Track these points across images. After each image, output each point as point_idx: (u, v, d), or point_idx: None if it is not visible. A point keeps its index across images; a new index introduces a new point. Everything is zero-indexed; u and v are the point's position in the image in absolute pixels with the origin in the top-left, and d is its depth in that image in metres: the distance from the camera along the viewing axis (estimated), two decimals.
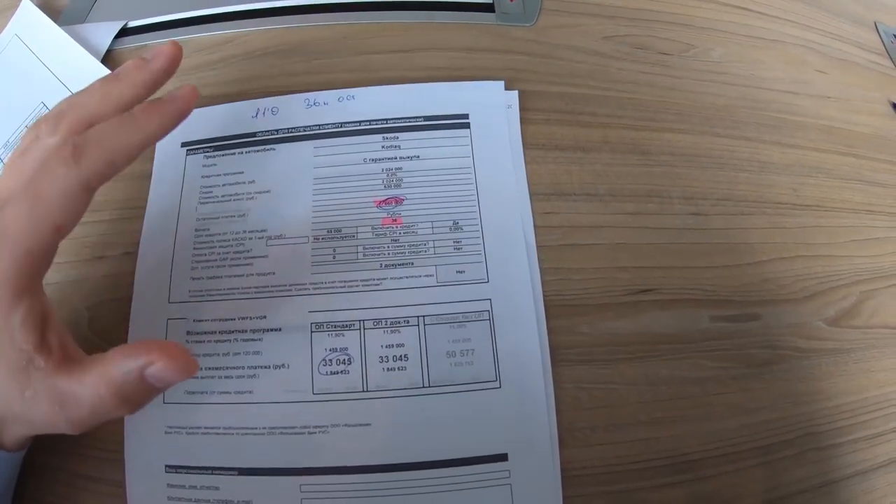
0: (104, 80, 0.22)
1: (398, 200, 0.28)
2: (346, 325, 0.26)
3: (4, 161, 0.33)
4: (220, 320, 0.26)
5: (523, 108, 0.31)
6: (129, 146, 0.19)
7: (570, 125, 0.31)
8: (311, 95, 0.30)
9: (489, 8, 0.35)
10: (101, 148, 0.19)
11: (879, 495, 0.26)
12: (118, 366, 0.18)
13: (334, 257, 0.27)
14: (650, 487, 0.24)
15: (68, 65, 0.34)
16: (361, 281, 0.26)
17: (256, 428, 0.25)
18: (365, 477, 0.24)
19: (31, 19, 0.35)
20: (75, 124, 0.20)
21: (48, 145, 0.19)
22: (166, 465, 0.25)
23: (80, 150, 0.19)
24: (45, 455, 0.25)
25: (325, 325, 0.26)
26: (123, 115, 0.20)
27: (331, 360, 0.25)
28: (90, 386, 0.18)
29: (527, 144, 0.30)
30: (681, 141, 0.31)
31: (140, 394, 0.19)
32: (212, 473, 0.24)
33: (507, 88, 0.31)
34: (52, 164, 0.18)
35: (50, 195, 0.18)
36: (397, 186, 0.28)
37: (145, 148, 0.21)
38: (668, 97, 0.33)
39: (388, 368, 0.25)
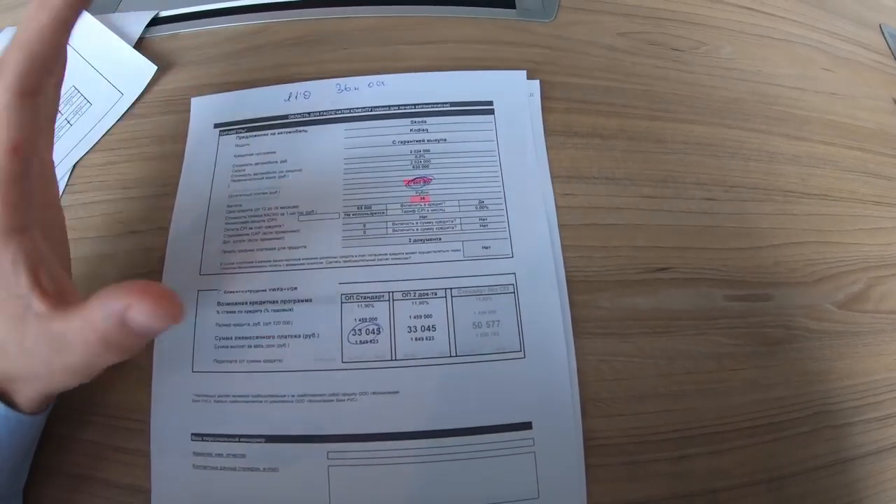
0: None
1: (426, 180, 0.29)
2: (376, 297, 0.26)
3: None
4: (250, 291, 0.27)
5: (544, 98, 0.32)
6: (39, 28, 0.17)
7: (588, 114, 0.32)
8: (342, 81, 0.32)
9: (510, 4, 0.36)
10: (15, 46, 0.17)
11: (891, 475, 0.27)
12: (99, 310, 0.16)
13: (364, 232, 0.28)
14: (669, 459, 0.25)
15: (101, 51, 0.35)
16: (391, 254, 0.27)
17: (285, 396, 0.25)
18: (392, 444, 0.24)
19: None
20: None
21: None
22: (192, 433, 0.25)
23: (0, 62, 0.17)
24: (68, 426, 0.25)
25: (354, 296, 0.26)
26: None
27: (360, 330, 0.26)
28: (78, 331, 0.17)
29: (548, 131, 0.31)
30: (693, 131, 0.33)
31: (124, 339, 0.17)
32: (238, 441, 0.25)
33: (528, 79, 0.32)
34: None
35: None
36: (425, 167, 0.29)
37: (58, 27, 0.17)
38: (680, 90, 0.34)
39: (416, 338, 0.26)
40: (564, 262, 0.27)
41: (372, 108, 0.31)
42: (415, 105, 0.31)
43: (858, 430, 0.27)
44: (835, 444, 0.26)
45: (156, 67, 0.34)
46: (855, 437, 0.27)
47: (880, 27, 0.42)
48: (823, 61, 0.38)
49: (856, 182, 0.33)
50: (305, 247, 0.28)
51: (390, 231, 0.28)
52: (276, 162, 0.30)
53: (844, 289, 0.30)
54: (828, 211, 0.32)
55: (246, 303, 0.27)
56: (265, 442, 0.25)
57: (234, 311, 0.27)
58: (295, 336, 0.26)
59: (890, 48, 0.41)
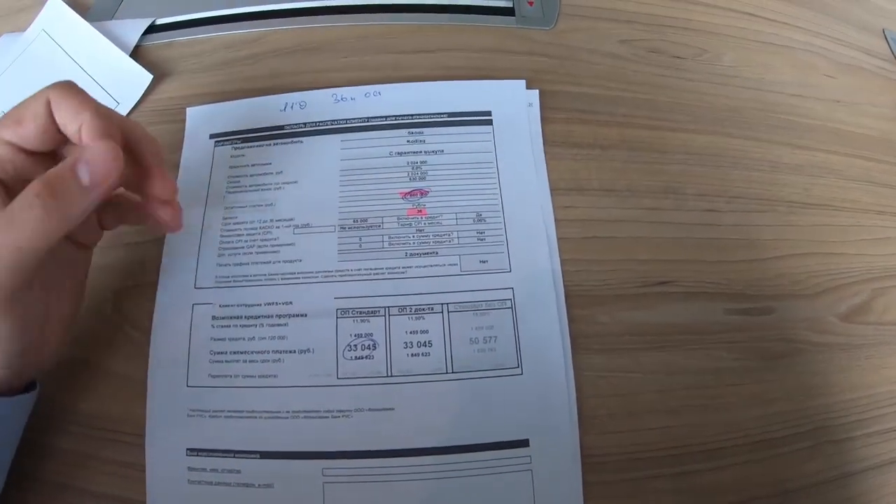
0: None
1: (423, 192, 0.29)
2: (372, 312, 0.26)
3: None
4: (245, 305, 0.27)
5: (543, 107, 0.32)
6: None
7: (588, 124, 0.32)
8: (338, 91, 0.31)
9: (509, 12, 0.36)
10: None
11: (893, 490, 0.26)
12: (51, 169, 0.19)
13: (360, 246, 0.27)
14: (669, 475, 0.25)
15: (97, 59, 0.35)
16: (387, 269, 0.27)
17: (280, 412, 0.25)
18: (387, 461, 0.24)
19: (58, 15, 0.36)
20: None
21: None
22: (188, 449, 0.25)
23: None
24: (63, 438, 0.25)
25: (350, 311, 0.26)
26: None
27: (356, 346, 0.26)
28: (25, 192, 0.18)
29: (547, 141, 0.31)
30: (695, 141, 0.32)
31: (72, 191, 0.19)
32: (234, 457, 0.25)
33: (527, 88, 0.32)
34: None
35: None
36: (422, 179, 0.29)
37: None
38: (681, 99, 0.34)
39: (412, 354, 0.25)
40: (563, 276, 0.27)
41: (368, 119, 0.30)
42: (412, 115, 0.30)
43: (860, 444, 0.27)
44: (837, 459, 0.26)
45: (151, 76, 0.33)
46: (857, 451, 0.26)
47: (883, 32, 0.41)
48: (826, 67, 0.38)
49: (859, 191, 0.33)
50: (301, 260, 0.27)
51: (386, 245, 0.27)
52: (272, 173, 0.29)
53: (847, 301, 0.30)
54: (831, 221, 0.31)
55: (241, 317, 0.27)
56: (260, 458, 0.24)
57: (229, 326, 0.26)
58: (290, 351, 0.26)
59: (893, 53, 0.40)
